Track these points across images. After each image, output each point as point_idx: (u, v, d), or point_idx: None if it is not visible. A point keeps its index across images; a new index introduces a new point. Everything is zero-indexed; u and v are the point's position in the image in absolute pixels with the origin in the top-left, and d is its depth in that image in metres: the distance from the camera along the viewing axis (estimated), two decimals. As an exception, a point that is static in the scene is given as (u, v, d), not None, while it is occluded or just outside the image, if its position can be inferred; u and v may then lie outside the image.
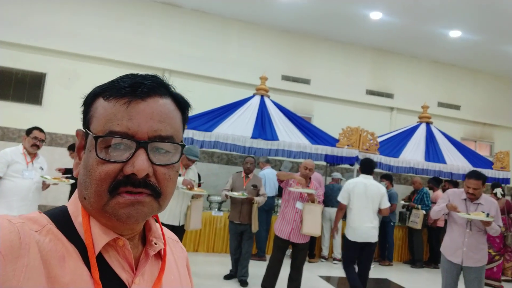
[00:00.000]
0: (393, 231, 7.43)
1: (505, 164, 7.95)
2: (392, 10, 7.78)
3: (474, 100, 10.57)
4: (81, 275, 0.61)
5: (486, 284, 5.81)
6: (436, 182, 7.79)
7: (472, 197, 3.78)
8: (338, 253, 7.01)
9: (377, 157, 7.35)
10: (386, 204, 4.52)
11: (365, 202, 4.44)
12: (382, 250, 7.42)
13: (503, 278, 6.57)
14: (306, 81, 9.29)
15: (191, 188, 4.33)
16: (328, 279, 5.93)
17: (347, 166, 8.28)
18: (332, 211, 6.78)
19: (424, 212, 7.29)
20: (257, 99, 7.28)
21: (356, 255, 4.55)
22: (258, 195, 5.19)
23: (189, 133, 6.47)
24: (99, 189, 0.62)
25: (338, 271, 6.46)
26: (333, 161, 7.24)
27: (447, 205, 3.84)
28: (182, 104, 0.72)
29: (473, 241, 3.76)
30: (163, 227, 0.79)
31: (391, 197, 7.20)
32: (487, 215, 3.66)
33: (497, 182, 7.26)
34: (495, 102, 10.77)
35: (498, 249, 6.47)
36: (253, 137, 6.65)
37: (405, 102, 9.89)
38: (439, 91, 10.29)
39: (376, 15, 8.04)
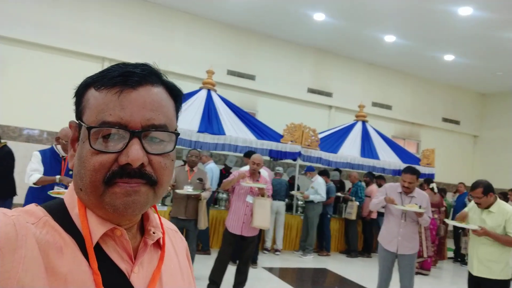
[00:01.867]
0: (330, 223, 7.83)
1: (430, 161, 8.74)
2: (334, 12, 8.14)
3: (404, 101, 11.44)
4: (80, 265, 0.60)
5: (417, 272, 6.38)
6: (372, 176, 8.34)
7: (407, 191, 4.13)
8: (280, 244, 7.25)
9: (318, 153, 7.69)
10: None
11: None
12: (320, 241, 7.79)
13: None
14: (251, 77, 9.41)
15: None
16: (270, 270, 6.11)
17: (289, 161, 8.55)
18: (277, 204, 7.00)
19: (358, 203, 7.78)
20: (203, 93, 7.25)
21: None
22: (203, 189, 5.18)
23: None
24: (93, 180, 0.62)
25: (280, 262, 6.68)
26: (277, 156, 7.44)
27: (385, 198, 4.15)
28: (174, 92, 0.71)
29: (407, 231, 4.11)
30: (161, 217, 0.79)
31: (329, 191, 7.58)
32: (420, 207, 4.03)
33: (429, 178, 7.95)
34: (422, 103, 11.76)
35: (433, 240, 7.14)
36: (199, 131, 6.62)
37: (343, 101, 10.42)
38: (374, 92, 10.98)
39: (319, 17, 8.36)
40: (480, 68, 10.43)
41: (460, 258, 8.50)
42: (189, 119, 6.70)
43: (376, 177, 8.45)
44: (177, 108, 0.72)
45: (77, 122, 0.67)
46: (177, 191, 4.84)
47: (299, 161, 7.75)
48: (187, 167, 5.09)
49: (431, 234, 7.06)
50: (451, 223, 4.13)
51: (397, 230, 4.12)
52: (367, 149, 8.42)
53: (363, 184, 8.28)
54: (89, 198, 0.64)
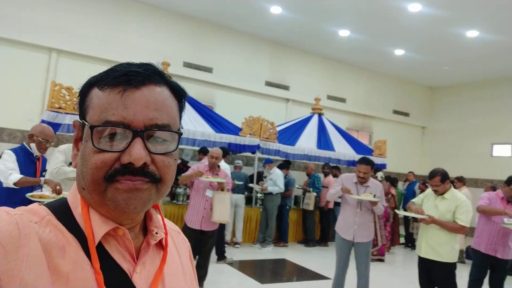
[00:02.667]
0: (289, 214, 7.95)
1: (382, 151, 9.10)
2: (290, 6, 8.20)
3: (358, 94, 11.81)
4: (82, 264, 0.60)
5: (373, 259, 6.64)
6: (329, 167, 8.56)
7: (363, 181, 4.26)
8: (240, 237, 7.26)
9: (276, 145, 7.76)
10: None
11: None
12: (278, 232, 7.90)
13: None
14: (208, 69, 9.28)
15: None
16: (231, 263, 6.11)
17: (248, 154, 8.56)
18: (236, 197, 6.99)
19: (315, 194, 7.96)
20: (159, 86, 7.04)
21: None
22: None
23: (84, 120, 5.98)
24: (95, 177, 0.62)
25: (240, 254, 6.70)
26: (236, 149, 7.42)
27: (341, 188, 4.26)
28: (178, 92, 0.71)
29: (363, 219, 4.25)
30: (164, 218, 0.79)
31: (289, 183, 7.69)
32: (374, 196, 4.18)
33: (377, 167, 8.27)
34: (374, 96, 12.19)
35: (385, 227, 7.48)
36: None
37: (300, 94, 10.57)
38: (329, 85, 11.23)
39: (276, 10, 8.38)
40: (428, 63, 10.96)
41: (411, 243, 8.96)
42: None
43: (332, 168, 8.68)
44: (181, 108, 0.72)
45: (81, 121, 0.67)
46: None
47: (258, 154, 7.78)
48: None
49: (383, 222, 7.38)
50: (401, 213, 4.31)
51: (353, 219, 4.24)
52: (323, 141, 8.61)
53: (321, 175, 8.47)
54: (92, 196, 0.64)
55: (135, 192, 0.62)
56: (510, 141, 11.25)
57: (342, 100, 11.49)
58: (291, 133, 8.47)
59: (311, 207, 7.94)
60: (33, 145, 3.46)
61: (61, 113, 5.82)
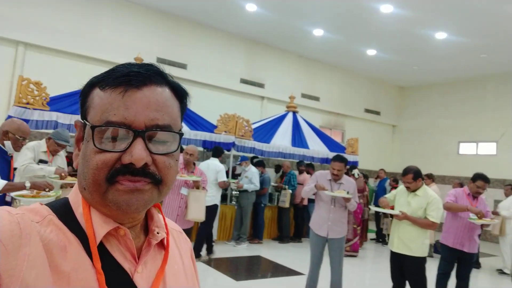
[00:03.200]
0: (264, 212, 7.99)
1: (354, 149, 9.28)
2: (265, 4, 8.22)
3: (331, 93, 11.99)
4: (83, 264, 0.61)
5: (346, 255, 6.76)
6: (305, 165, 8.65)
7: (336, 178, 4.33)
8: (215, 235, 7.23)
9: (251, 143, 7.77)
10: (221, 178, 6.11)
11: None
12: (253, 230, 7.92)
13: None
14: (183, 66, 9.17)
15: (63, 177, 3.90)
16: (205, 261, 6.08)
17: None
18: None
19: (290, 192, 8.04)
20: (132, 82, 6.90)
21: None
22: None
23: (52, 116, 5.80)
24: (96, 178, 0.62)
25: (215, 252, 6.66)
26: (211, 146, 7.37)
27: (315, 185, 4.31)
28: (179, 92, 0.71)
29: (337, 216, 4.32)
30: (166, 218, 0.79)
31: (264, 182, 7.72)
32: (347, 192, 4.26)
33: (353, 165, 8.44)
34: (347, 95, 12.41)
35: (359, 222, 7.62)
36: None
37: (275, 92, 10.62)
38: (303, 84, 11.34)
39: (251, 7, 8.38)
40: (399, 63, 11.26)
41: (381, 238, 9.19)
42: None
43: (306, 165, 8.78)
44: (182, 109, 0.72)
45: (82, 121, 0.67)
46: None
47: (233, 152, 7.77)
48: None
49: (357, 218, 7.53)
50: (375, 209, 4.42)
51: (327, 216, 4.30)
52: (298, 139, 8.70)
53: (296, 172, 8.55)
54: (92, 197, 0.64)
55: (136, 193, 0.63)
56: (476, 139, 11.73)
57: (316, 98, 11.63)
58: (266, 130, 8.50)
59: (286, 205, 8.00)
60: (7, 143, 3.19)
61: (29, 108, 5.61)
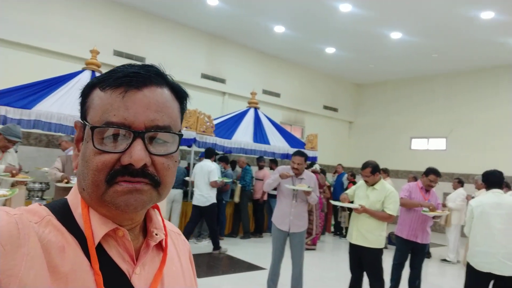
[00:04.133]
0: (225, 208, 7.97)
1: (314, 145, 9.46)
2: (227, -2, 8.15)
3: (291, 89, 12.14)
4: (81, 265, 0.61)
5: (307, 248, 6.89)
6: (264, 161, 8.71)
7: (297, 172, 4.40)
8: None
9: (213, 139, 7.71)
10: (212, 178, 6.45)
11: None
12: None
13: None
14: (141, 59, 8.90)
15: (14, 175, 3.68)
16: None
17: (184, 147, 8.40)
18: (174, 192, 6.84)
19: (240, 186, 8.06)
20: (87, 74, 6.61)
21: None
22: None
23: (1, 110, 5.43)
24: (96, 179, 0.62)
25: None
26: (170, 142, 7.22)
27: (280, 174, 4.35)
28: (179, 93, 0.71)
29: (298, 210, 4.39)
30: (164, 219, 0.79)
31: (226, 177, 7.69)
32: (308, 187, 4.35)
33: (313, 161, 8.61)
34: (306, 92, 12.62)
35: (322, 218, 7.80)
36: (84, 116, 6.03)
37: (236, 88, 10.59)
38: (264, 80, 11.40)
39: (212, 1, 8.27)
40: (356, 61, 11.60)
41: (339, 231, 9.47)
42: (70, 104, 6.04)
43: (270, 161, 8.85)
44: (182, 110, 0.73)
45: (82, 122, 0.68)
46: (59, 184, 4.38)
47: (194, 148, 7.67)
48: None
49: (321, 214, 7.71)
50: (336, 203, 4.53)
51: (289, 210, 4.37)
52: (259, 134, 8.73)
53: (256, 168, 8.59)
54: (91, 197, 0.64)
55: (135, 193, 0.63)
56: (427, 135, 12.35)
57: (277, 94, 11.73)
58: (228, 126, 8.47)
59: (237, 199, 8.03)
60: None
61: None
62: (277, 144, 8.91)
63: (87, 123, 0.65)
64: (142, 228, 0.72)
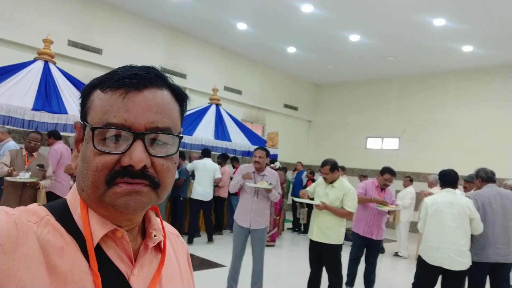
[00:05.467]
0: (183, 205, 7.85)
1: (274, 143, 9.55)
2: (189, -8, 8.01)
3: (252, 87, 12.18)
4: (80, 266, 0.61)
5: (266, 245, 6.95)
6: (224, 158, 8.66)
7: (259, 166, 4.44)
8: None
9: (173, 135, 7.56)
10: (218, 175, 7.26)
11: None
12: (172, 223, 7.75)
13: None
14: (97, 51, 8.56)
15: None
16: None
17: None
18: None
19: (193, 181, 7.98)
20: (39, 65, 6.26)
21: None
22: (44, 177, 4.58)
23: None
24: (95, 180, 0.62)
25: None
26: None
27: (243, 175, 4.37)
28: (180, 95, 0.72)
29: (259, 207, 4.43)
30: (163, 221, 0.79)
31: (181, 173, 7.57)
32: (270, 184, 4.40)
33: (274, 158, 8.69)
34: (268, 90, 12.72)
35: (277, 213, 7.88)
36: (35, 108, 5.72)
37: (197, 83, 10.46)
38: (226, 76, 11.35)
39: (174, -6, 8.11)
40: (316, 61, 11.84)
41: (298, 227, 9.65)
42: (21, 95, 5.71)
43: (231, 159, 8.83)
44: (182, 112, 0.73)
45: (82, 122, 0.68)
46: (8, 178, 4.14)
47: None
48: (24, 151, 4.39)
49: (276, 209, 7.80)
50: (298, 200, 4.61)
51: (250, 207, 4.40)
52: (221, 131, 8.69)
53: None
54: (90, 198, 0.64)
55: (134, 194, 0.63)
56: (381, 135, 12.86)
57: (239, 92, 11.73)
58: (189, 122, 8.35)
59: (188, 195, 7.95)
60: None
61: None
62: (239, 141, 8.91)
63: (87, 124, 0.65)
64: (140, 229, 0.73)
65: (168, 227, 0.85)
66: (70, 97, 6.31)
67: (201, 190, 7.21)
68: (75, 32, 8.20)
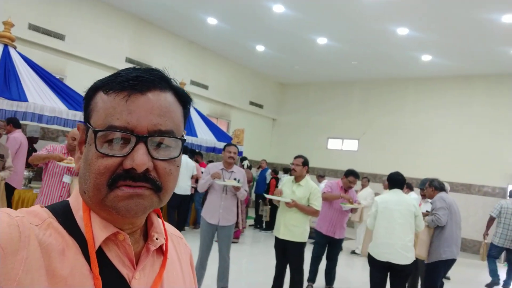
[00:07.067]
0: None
1: (240, 140, 9.59)
2: (161, -17, 7.85)
3: (219, 83, 12.14)
4: (81, 269, 0.61)
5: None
6: (192, 154, 8.61)
7: (231, 161, 4.48)
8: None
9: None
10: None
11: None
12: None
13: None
14: (60, 36, 8.18)
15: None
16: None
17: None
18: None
19: None
20: (-2, 48, 5.91)
21: None
22: (3, 167, 4.36)
23: None
24: (97, 183, 0.62)
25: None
26: (92, 129, 6.79)
27: (212, 175, 4.38)
28: (183, 98, 0.72)
29: (228, 203, 4.47)
30: (166, 223, 0.79)
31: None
32: (238, 181, 4.45)
33: (244, 156, 8.73)
34: (234, 86, 12.72)
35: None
36: (-8, 94, 5.40)
37: (164, 76, 10.25)
38: (193, 70, 11.23)
39: (144, -16, 7.91)
40: (283, 61, 11.99)
41: (259, 224, 9.78)
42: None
43: (195, 153, 8.78)
44: (185, 114, 0.73)
45: (85, 124, 0.68)
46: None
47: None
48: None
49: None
50: (269, 197, 4.70)
51: (219, 204, 4.43)
52: (187, 126, 8.55)
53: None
54: (92, 201, 0.64)
55: (136, 198, 0.63)
56: (342, 136, 13.27)
57: (205, 87, 11.65)
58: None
59: None
60: None
61: None
62: (204, 137, 8.87)
63: (90, 126, 0.65)
64: (143, 232, 0.72)
65: (171, 229, 0.84)
66: (31, 84, 6.01)
67: (184, 184, 7.68)
68: (36, 16, 7.79)
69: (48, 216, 0.63)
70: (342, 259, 7.62)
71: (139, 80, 0.64)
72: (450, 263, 4.29)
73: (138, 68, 0.68)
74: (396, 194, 3.99)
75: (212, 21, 9.43)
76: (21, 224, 0.57)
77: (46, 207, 0.66)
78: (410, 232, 3.84)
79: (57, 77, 7.44)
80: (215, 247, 4.53)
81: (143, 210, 0.64)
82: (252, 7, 8.38)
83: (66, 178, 3.87)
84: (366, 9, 7.83)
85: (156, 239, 0.72)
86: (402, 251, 3.76)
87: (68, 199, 0.70)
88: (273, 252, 4.57)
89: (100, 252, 0.64)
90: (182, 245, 0.85)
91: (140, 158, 0.61)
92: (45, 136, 7.91)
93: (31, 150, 6.25)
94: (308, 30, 9.28)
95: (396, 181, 4.05)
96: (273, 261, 4.64)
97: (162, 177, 0.65)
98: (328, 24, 8.86)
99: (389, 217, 3.86)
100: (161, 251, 0.74)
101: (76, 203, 0.67)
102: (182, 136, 0.69)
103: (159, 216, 0.77)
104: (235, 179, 4.50)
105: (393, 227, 3.82)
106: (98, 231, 0.64)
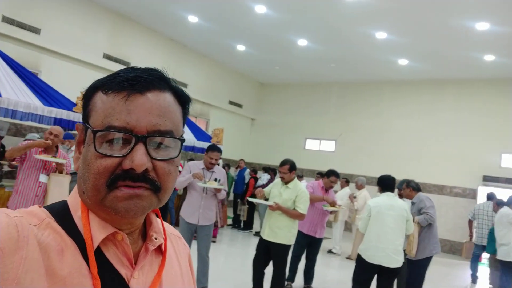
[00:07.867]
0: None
1: (219, 139, 9.56)
2: (141, -21, 7.73)
3: (199, 81, 12.06)
4: (80, 269, 0.61)
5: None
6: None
7: (212, 166, 4.46)
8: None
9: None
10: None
11: None
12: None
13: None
14: (35, 30, 7.94)
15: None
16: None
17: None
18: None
19: None
20: (-31, 40, 5.68)
21: None
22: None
23: None
24: (97, 183, 0.62)
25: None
26: (68, 126, 6.62)
27: (193, 174, 4.35)
28: (182, 98, 0.71)
29: (208, 203, 4.45)
30: (164, 222, 0.78)
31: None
32: (219, 181, 4.44)
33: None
34: (213, 85, 12.67)
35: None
36: (-38, 88, 5.19)
37: (142, 73, 10.10)
38: (171, 68, 10.72)
39: (124, -21, 7.77)
40: (263, 61, 12.04)
41: (237, 224, 9.78)
42: None
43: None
44: (185, 114, 0.73)
45: (84, 124, 0.67)
46: None
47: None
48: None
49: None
50: (252, 200, 4.70)
51: (199, 203, 4.40)
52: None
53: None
54: (91, 201, 0.64)
55: (135, 198, 0.63)
56: (319, 137, 13.45)
57: (184, 85, 11.54)
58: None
59: None
60: None
61: None
62: (184, 135, 8.78)
63: (89, 126, 0.64)
64: (141, 232, 0.72)
65: (170, 228, 0.84)
66: (5, 79, 5.80)
67: None
68: (9, 7, 7.53)
69: (47, 216, 0.63)
70: (320, 258, 7.71)
71: (138, 80, 0.64)
72: (431, 259, 4.53)
73: (137, 68, 0.67)
74: (389, 198, 4.07)
75: (193, 19, 9.36)
76: (19, 224, 0.57)
77: (44, 207, 0.65)
78: (401, 236, 3.97)
79: (31, 72, 7.22)
80: (193, 246, 4.51)
81: (142, 210, 0.64)
82: (234, 7, 8.37)
83: (43, 178, 3.76)
84: (346, 13, 7.97)
85: (155, 238, 0.72)
86: (393, 255, 3.86)
87: (66, 199, 0.69)
88: (252, 251, 4.58)
89: (98, 252, 0.64)
90: (180, 244, 0.85)
91: (139, 159, 0.61)
92: (18, 132, 7.66)
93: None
94: (289, 31, 9.35)
95: (387, 185, 4.14)
96: (251, 261, 4.65)
97: (161, 177, 0.65)
98: (309, 27, 8.96)
99: (382, 222, 3.95)
100: (160, 250, 0.74)
101: (74, 203, 0.67)
102: (181, 136, 0.69)
103: (157, 216, 0.77)
104: (215, 179, 4.49)
105: (385, 232, 3.91)
106: (96, 231, 0.64)
